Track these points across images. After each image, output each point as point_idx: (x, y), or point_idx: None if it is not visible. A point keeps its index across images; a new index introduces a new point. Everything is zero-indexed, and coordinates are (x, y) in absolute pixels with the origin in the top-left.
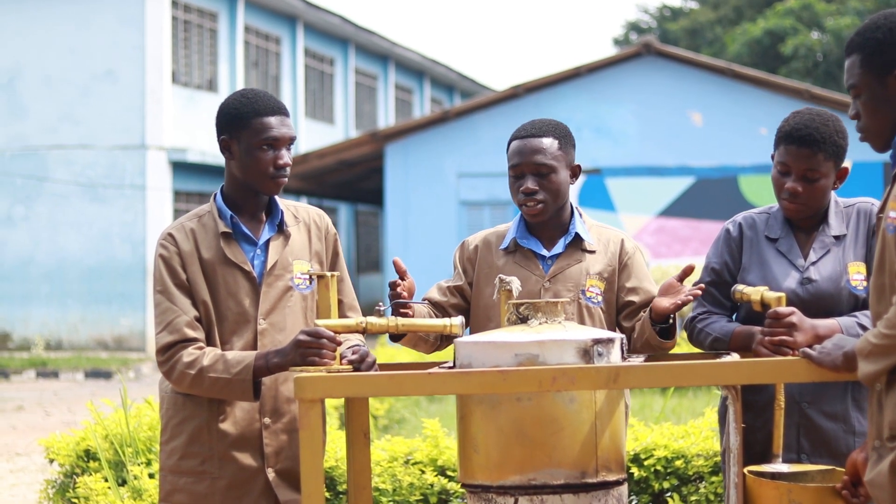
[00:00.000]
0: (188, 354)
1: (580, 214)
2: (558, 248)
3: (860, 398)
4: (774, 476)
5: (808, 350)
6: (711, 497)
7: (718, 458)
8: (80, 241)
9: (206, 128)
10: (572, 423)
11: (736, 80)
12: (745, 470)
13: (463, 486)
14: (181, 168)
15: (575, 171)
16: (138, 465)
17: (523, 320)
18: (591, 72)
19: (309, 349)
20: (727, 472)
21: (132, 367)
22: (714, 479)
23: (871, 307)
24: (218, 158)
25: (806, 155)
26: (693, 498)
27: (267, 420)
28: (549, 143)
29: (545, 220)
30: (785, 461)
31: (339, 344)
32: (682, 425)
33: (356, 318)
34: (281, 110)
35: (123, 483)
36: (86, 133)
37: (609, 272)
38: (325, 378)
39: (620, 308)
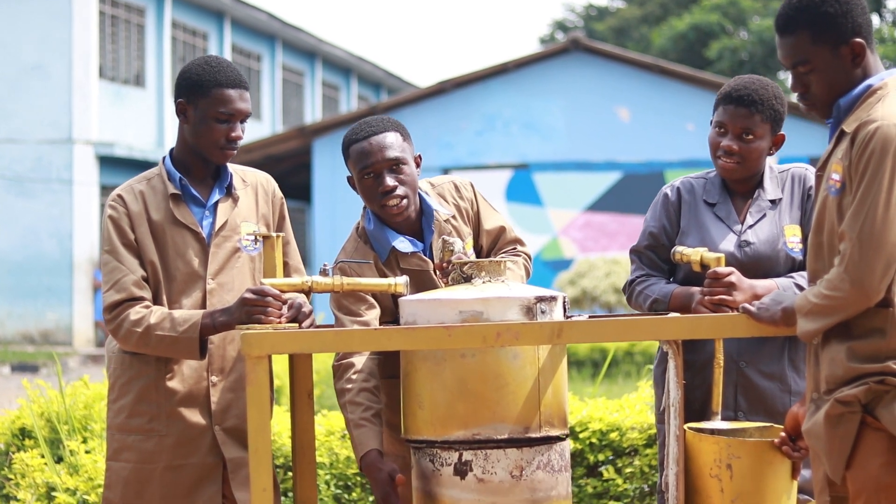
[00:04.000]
0: (135, 313)
1: (426, 192)
2: (428, 235)
3: (797, 359)
4: (714, 433)
5: (747, 306)
6: (646, 469)
7: (653, 431)
8: (7, 236)
9: (133, 122)
10: (516, 379)
11: (663, 75)
12: (685, 427)
13: (407, 442)
14: (108, 163)
15: (418, 161)
16: (75, 441)
17: (467, 279)
18: (519, 67)
19: (255, 307)
20: (667, 427)
21: (59, 361)
22: (648, 451)
23: (808, 265)
24: (145, 153)
25: (743, 115)
26: (628, 470)
27: (214, 378)
28: (393, 137)
29: (409, 215)
30: (722, 419)
31: (285, 303)
32: (616, 399)
33: (301, 278)
34: (242, 84)
35: (60, 461)
36: (13, 127)
37: (466, 228)
38: (272, 334)
39: (487, 252)
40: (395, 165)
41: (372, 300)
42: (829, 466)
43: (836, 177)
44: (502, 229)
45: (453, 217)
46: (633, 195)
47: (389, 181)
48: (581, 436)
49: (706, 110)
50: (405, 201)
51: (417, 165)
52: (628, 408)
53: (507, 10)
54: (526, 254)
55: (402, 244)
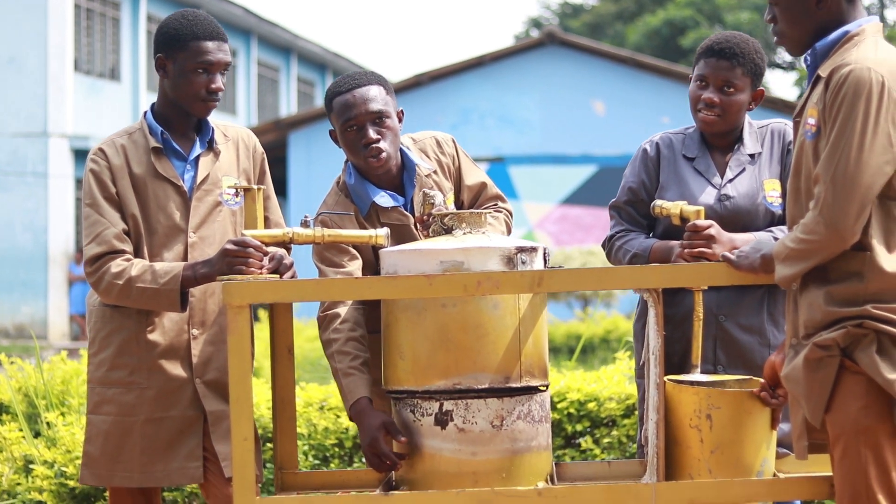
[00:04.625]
0: (116, 265)
1: (407, 147)
2: (409, 189)
3: (776, 312)
4: (693, 385)
5: (726, 254)
6: (624, 440)
7: (631, 401)
8: None
9: (108, 116)
10: (496, 329)
11: (638, 69)
12: (665, 379)
13: (388, 393)
14: (84, 156)
15: (400, 116)
16: (53, 413)
17: (448, 231)
18: (495, 61)
19: (236, 258)
20: (647, 377)
21: (33, 356)
22: (626, 421)
23: (787, 210)
24: None
25: (725, 67)
26: (606, 440)
27: (195, 331)
28: (377, 90)
29: (390, 169)
30: (702, 373)
31: (266, 254)
32: (594, 371)
33: (282, 229)
34: (219, 35)
35: (38, 436)
36: None
37: (447, 183)
38: (253, 283)
39: (469, 208)
40: (379, 118)
41: (354, 251)
42: (808, 410)
43: (811, 121)
44: (483, 185)
45: (434, 172)
46: (609, 188)
47: (372, 134)
48: (559, 406)
49: (681, 103)
50: (387, 154)
51: (400, 120)
52: (606, 379)
53: (483, 7)
54: (507, 210)
55: (383, 199)
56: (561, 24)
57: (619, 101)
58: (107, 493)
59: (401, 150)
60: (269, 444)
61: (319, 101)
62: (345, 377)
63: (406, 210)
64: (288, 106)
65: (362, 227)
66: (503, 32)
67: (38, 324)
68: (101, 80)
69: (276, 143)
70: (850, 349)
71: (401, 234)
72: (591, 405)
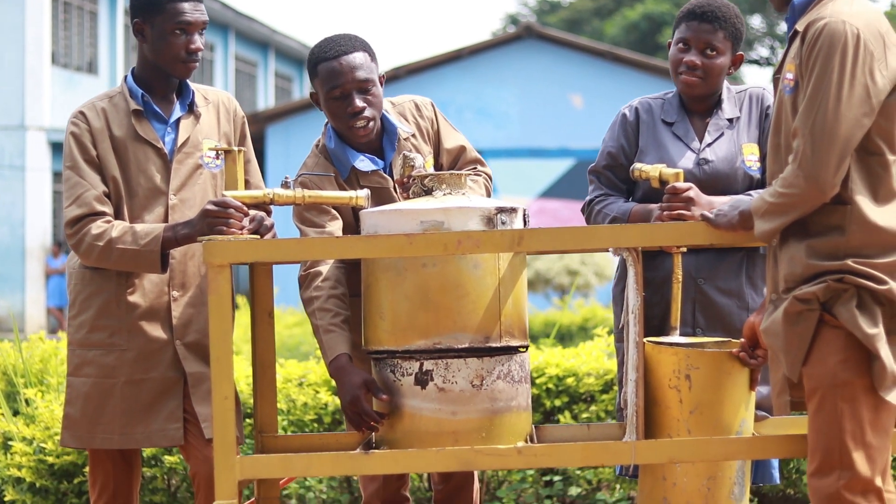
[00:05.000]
0: (96, 227)
1: (386, 111)
2: (389, 152)
3: (754, 275)
4: (672, 346)
5: (705, 213)
6: (602, 415)
7: (610, 377)
8: None
9: None
10: (476, 289)
11: (616, 62)
12: (644, 340)
13: (368, 354)
14: (61, 149)
15: (381, 81)
16: (32, 390)
17: (428, 192)
18: (473, 54)
19: (216, 218)
20: (626, 338)
21: (14, 319)
22: (605, 397)
23: (767, 168)
24: None
25: (707, 30)
26: (584, 416)
27: (175, 293)
28: (363, 57)
29: (372, 138)
30: (681, 335)
31: (247, 215)
32: (572, 347)
33: (263, 190)
34: None
35: (16, 414)
36: None
37: (425, 147)
38: (234, 243)
39: (449, 169)
40: (365, 87)
41: (334, 212)
42: (786, 364)
43: (789, 76)
44: (462, 148)
45: (413, 136)
46: (586, 182)
47: (359, 102)
48: (538, 381)
49: None
50: (372, 123)
51: (381, 85)
52: (585, 354)
53: (460, 3)
54: (487, 174)
55: (363, 163)
56: (539, 21)
57: (597, 95)
58: (86, 469)
59: (382, 114)
60: (248, 420)
61: (297, 96)
62: (325, 334)
63: (385, 173)
64: (266, 101)
65: (342, 189)
66: (481, 29)
67: (15, 317)
68: (78, 73)
69: (253, 136)
70: (829, 303)
71: (380, 197)
72: (570, 380)
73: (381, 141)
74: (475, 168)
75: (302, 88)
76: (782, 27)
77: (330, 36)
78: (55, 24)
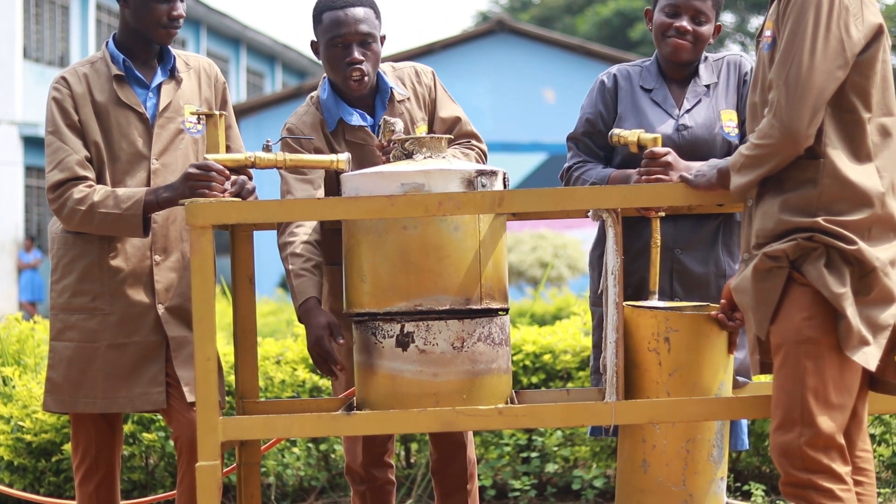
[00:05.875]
0: (78, 192)
1: (384, 72)
2: (379, 110)
3: (731, 244)
4: (651, 309)
5: (684, 174)
6: None
7: (586, 354)
8: None
9: None
10: (457, 251)
11: (588, 57)
12: (623, 304)
13: (349, 316)
14: (33, 143)
15: (383, 41)
16: (9, 368)
17: (408, 156)
18: (445, 48)
19: (199, 182)
20: (606, 299)
21: None
22: (581, 374)
23: (747, 127)
24: None
25: None
26: None
27: (157, 257)
28: (367, 12)
29: (365, 93)
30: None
31: (228, 178)
32: (549, 326)
33: (244, 153)
34: None
35: None
36: None
37: (419, 113)
38: (216, 204)
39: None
40: (365, 40)
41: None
42: (754, 321)
43: (767, 33)
44: (458, 119)
45: (408, 99)
46: (559, 176)
47: (357, 54)
48: (514, 358)
49: None
50: (367, 78)
51: (381, 45)
52: (561, 331)
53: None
54: (480, 149)
55: (352, 117)
56: (511, 18)
57: (569, 89)
58: (64, 447)
59: (378, 73)
60: (229, 399)
61: (268, 91)
62: (296, 278)
63: (373, 131)
64: (237, 95)
65: (328, 142)
66: (452, 26)
67: None
68: (50, 67)
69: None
70: (798, 262)
71: (364, 154)
72: (547, 357)
73: (374, 99)
74: (469, 142)
75: (274, 86)
76: (753, 24)
77: None
78: (27, 18)
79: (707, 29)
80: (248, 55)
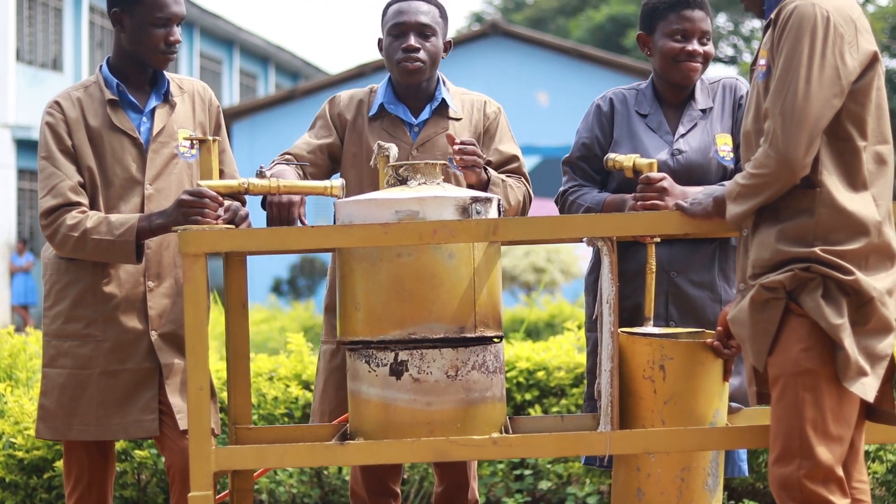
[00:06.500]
0: (71, 218)
1: (444, 82)
2: (424, 114)
3: (727, 268)
4: (646, 336)
5: (680, 202)
6: (573, 409)
7: (580, 370)
8: None
9: None
10: (451, 279)
11: (581, 60)
12: (618, 330)
13: (343, 344)
14: (25, 146)
15: (447, 46)
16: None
17: (402, 182)
18: None
19: (191, 208)
20: (600, 328)
21: None
22: (575, 391)
23: (741, 157)
24: None
25: (700, 18)
26: (554, 409)
27: (151, 283)
28: (431, 8)
29: (416, 85)
30: (654, 327)
31: (222, 205)
32: (542, 342)
33: (238, 180)
34: None
35: None
36: None
37: (475, 138)
38: (209, 232)
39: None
40: (423, 31)
41: (334, 132)
42: (752, 352)
43: (762, 62)
44: (515, 157)
45: (458, 120)
46: (552, 179)
47: (413, 41)
48: (508, 375)
49: None
50: (420, 65)
51: (446, 50)
52: (555, 348)
53: None
54: (528, 190)
55: (394, 106)
56: (504, 19)
57: (562, 93)
58: (56, 464)
59: (437, 81)
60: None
61: (262, 93)
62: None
63: (409, 131)
64: (230, 98)
65: (360, 122)
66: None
67: None
68: (43, 70)
69: None
70: (796, 292)
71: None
72: (540, 374)
73: (425, 102)
74: (521, 178)
75: (267, 88)
76: (747, 26)
77: None
78: (20, 21)
79: (711, 47)
80: (241, 57)
